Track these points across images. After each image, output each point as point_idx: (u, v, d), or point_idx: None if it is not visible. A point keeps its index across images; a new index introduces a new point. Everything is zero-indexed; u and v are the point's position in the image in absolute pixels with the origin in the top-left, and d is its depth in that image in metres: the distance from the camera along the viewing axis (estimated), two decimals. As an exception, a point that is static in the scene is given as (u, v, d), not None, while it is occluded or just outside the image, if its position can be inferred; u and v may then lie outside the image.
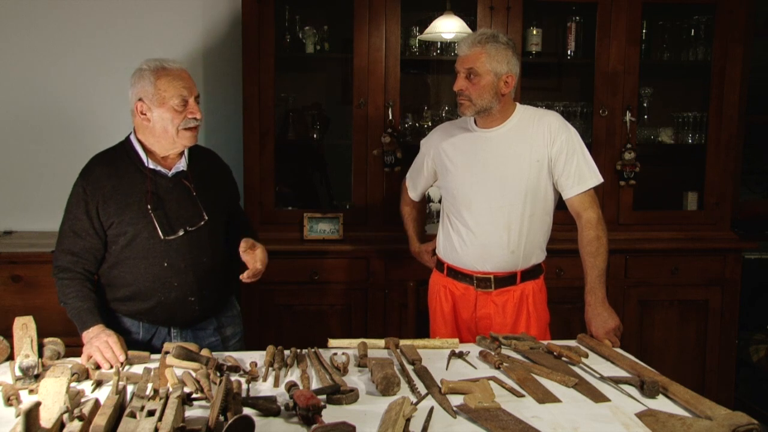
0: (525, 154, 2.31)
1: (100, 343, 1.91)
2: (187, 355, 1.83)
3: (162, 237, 2.08)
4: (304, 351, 2.00)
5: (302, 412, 1.53)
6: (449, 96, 3.45)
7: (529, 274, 2.40)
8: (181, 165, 2.16)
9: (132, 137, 2.15)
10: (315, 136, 3.50)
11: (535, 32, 3.42)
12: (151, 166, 2.12)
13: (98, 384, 1.78)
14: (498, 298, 2.38)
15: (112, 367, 1.87)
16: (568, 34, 3.50)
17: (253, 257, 2.12)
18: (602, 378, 1.83)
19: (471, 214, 2.37)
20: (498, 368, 1.90)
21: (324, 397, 1.64)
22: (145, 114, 2.07)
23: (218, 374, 1.76)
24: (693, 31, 3.53)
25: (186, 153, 2.18)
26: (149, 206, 2.08)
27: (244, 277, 2.14)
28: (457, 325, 2.46)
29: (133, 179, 2.10)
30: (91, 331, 1.98)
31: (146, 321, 2.16)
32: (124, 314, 2.16)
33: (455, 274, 2.44)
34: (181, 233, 2.11)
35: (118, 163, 2.12)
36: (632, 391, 1.75)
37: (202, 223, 2.14)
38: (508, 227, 2.33)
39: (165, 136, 2.08)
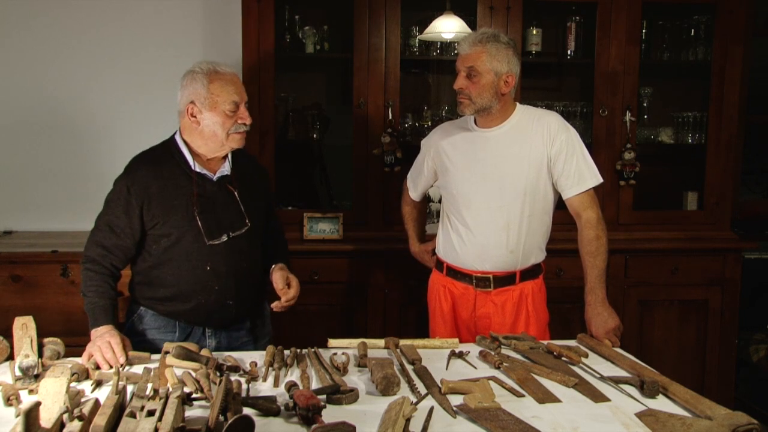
0: (524, 154, 2.31)
1: (102, 343, 1.90)
2: (187, 355, 1.83)
3: (206, 241, 2.09)
4: (304, 351, 2.00)
5: (302, 412, 1.53)
6: (449, 96, 3.45)
7: (529, 273, 2.40)
8: (226, 169, 2.17)
9: (177, 138, 2.14)
10: (315, 136, 3.50)
11: (535, 32, 3.42)
12: (197, 169, 2.12)
13: (98, 384, 1.78)
14: (497, 298, 2.38)
15: (111, 367, 1.87)
16: (568, 34, 3.50)
17: (286, 294, 2.17)
18: (602, 378, 1.83)
19: (470, 213, 2.37)
20: (498, 368, 1.90)
21: (324, 397, 1.64)
22: (195, 116, 2.07)
23: (218, 374, 1.76)
24: (693, 31, 3.53)
25: (230, 157, 2.18)
26: (195, 210, 2.08)
27: (276, 307, 2.18)
28: (457, 325, 2.46)
29: (179, 182, 2.10)
30: (98, 330, 1.98)
31: (183, 321, 2.16)
32: (161, 313, 2.16)
33: (454, 273, 2.44)
34: (224, 238, 2.12)
35: (163, 165, 2.11)
36: (632, 391, 1.75)
37: (245, 229, 2.15)
38: (507, 227, 2.33)
39: (214, 139, 2.08)
